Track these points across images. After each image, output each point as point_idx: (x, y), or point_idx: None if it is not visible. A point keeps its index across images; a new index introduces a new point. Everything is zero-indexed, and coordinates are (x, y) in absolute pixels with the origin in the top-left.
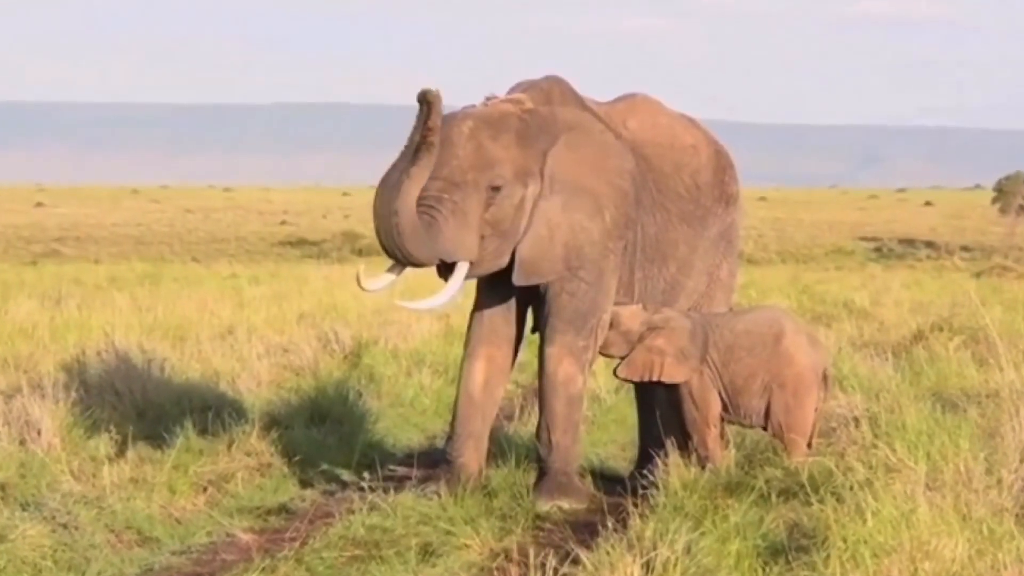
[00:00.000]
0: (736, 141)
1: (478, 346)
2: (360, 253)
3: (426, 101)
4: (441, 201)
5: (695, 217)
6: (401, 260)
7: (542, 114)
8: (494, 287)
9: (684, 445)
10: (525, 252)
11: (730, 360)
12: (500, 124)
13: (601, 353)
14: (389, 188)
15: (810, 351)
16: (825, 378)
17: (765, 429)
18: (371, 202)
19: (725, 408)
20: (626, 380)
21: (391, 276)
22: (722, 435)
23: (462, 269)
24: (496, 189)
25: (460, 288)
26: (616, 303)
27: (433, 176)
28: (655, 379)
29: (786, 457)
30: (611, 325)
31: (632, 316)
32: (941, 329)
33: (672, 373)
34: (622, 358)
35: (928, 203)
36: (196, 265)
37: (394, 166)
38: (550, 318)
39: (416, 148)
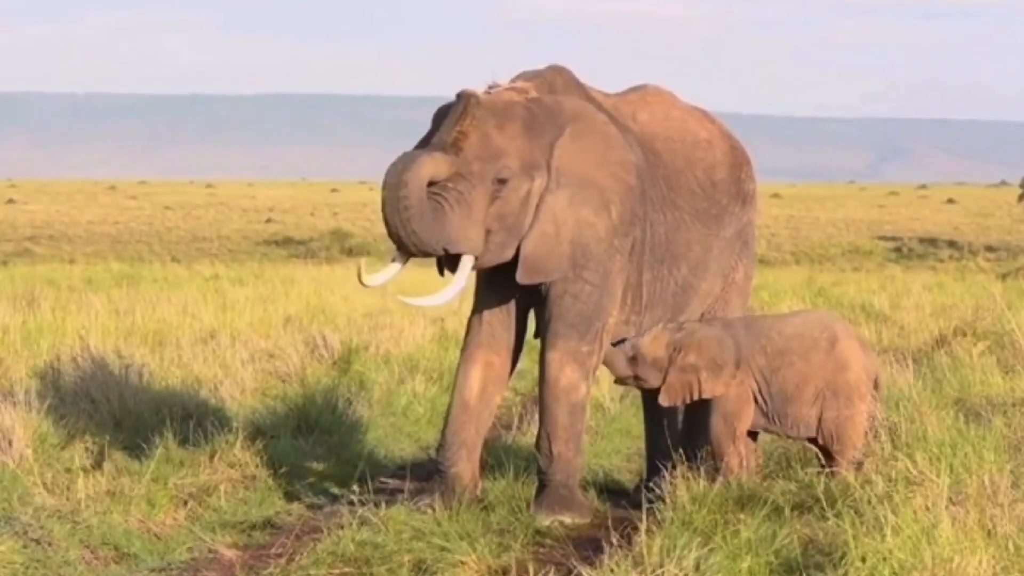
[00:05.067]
0: (748, 134)
1: (476, 351)
2: (350, 252)
3: (467, 104)
4: (446, 189)
5: (710, 215)
6: (404, 240)
7: (547, 104)
8: (494, 289)
9: (693, 456)
10: (530, 249)
11: (781, 366)
12: (506, 113)
13: (641, 387)
14: (402, 160)
15: (863, 356)
16: (876, 385)
17: (812, 441)
18: (361, 199)
19: (769, 419)
20: (671, 405)
21: (395, 267)
22: (753, 452)
23: (467, 263)
24: (503, 182)
25: (466, 283)
26: (623, 306)
27: None
28: (696, 398)
29: (835, 469)
30: (638, 359)
31: (655, 343)
32: (964, 334)
33: (711, 387)
34: (658, 388)
35: (951, 200)
36: (176, 265)
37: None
38: (552, 322)
39: (444, 146)
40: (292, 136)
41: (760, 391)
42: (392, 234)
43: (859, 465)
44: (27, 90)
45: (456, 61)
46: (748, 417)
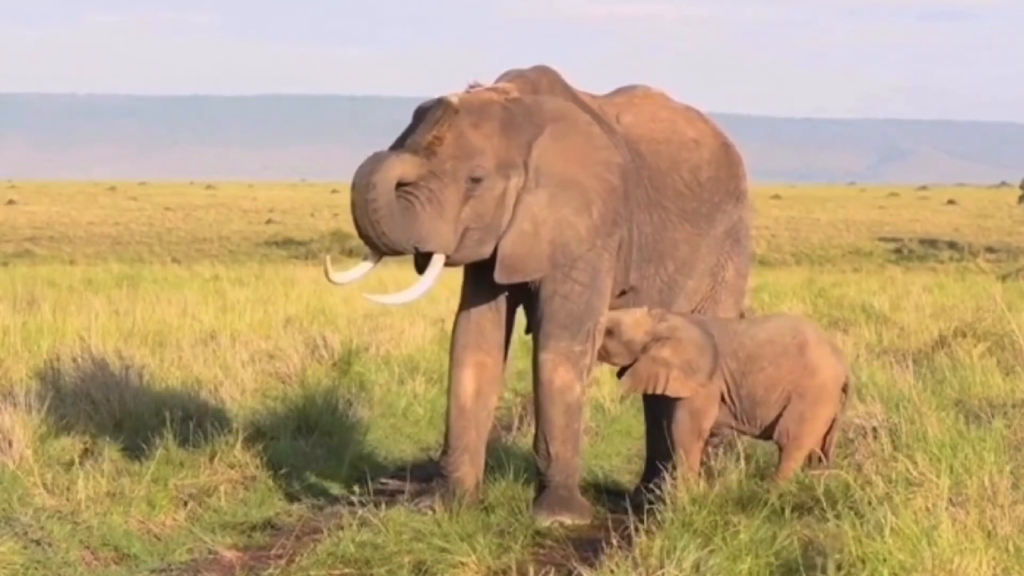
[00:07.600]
0: (748, 135)
1: (466, 353)
2: (350, 254)
3: (445, 110)
4: (418, 187)
5: (700, 215)
6: (374, 240)
7: (527, 103)
8: (481, 288)
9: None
10: (508, 248)
11: (751, 370)
12: (482, 112)
13: (603, 362)
14: (370, 162)
15: (833, 362)
16: (845, 389)
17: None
18: None
19: (738, 419)
20: (629, 392)
21: (367, 265)
22: (707, 447)
23: (438, 262)
24: (476, 181)
25: (434, 282)
26: (612, 306)
27: None
28: (659, 392)
29: (780, 466)
30: (613, 334)
31: (636, 325)
32: (965, 335)
33: (677, 387)
34: (625, 368)
35: (951, 201)
36: (176, 266)
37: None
38: (543, 323)
39: (416, 148)
40: (292, 136)
41: (730, 392)
42: (362, 235)
43: (817, 462)
44: (27, 91)
45: (456, 61)
46: (713, 415)
